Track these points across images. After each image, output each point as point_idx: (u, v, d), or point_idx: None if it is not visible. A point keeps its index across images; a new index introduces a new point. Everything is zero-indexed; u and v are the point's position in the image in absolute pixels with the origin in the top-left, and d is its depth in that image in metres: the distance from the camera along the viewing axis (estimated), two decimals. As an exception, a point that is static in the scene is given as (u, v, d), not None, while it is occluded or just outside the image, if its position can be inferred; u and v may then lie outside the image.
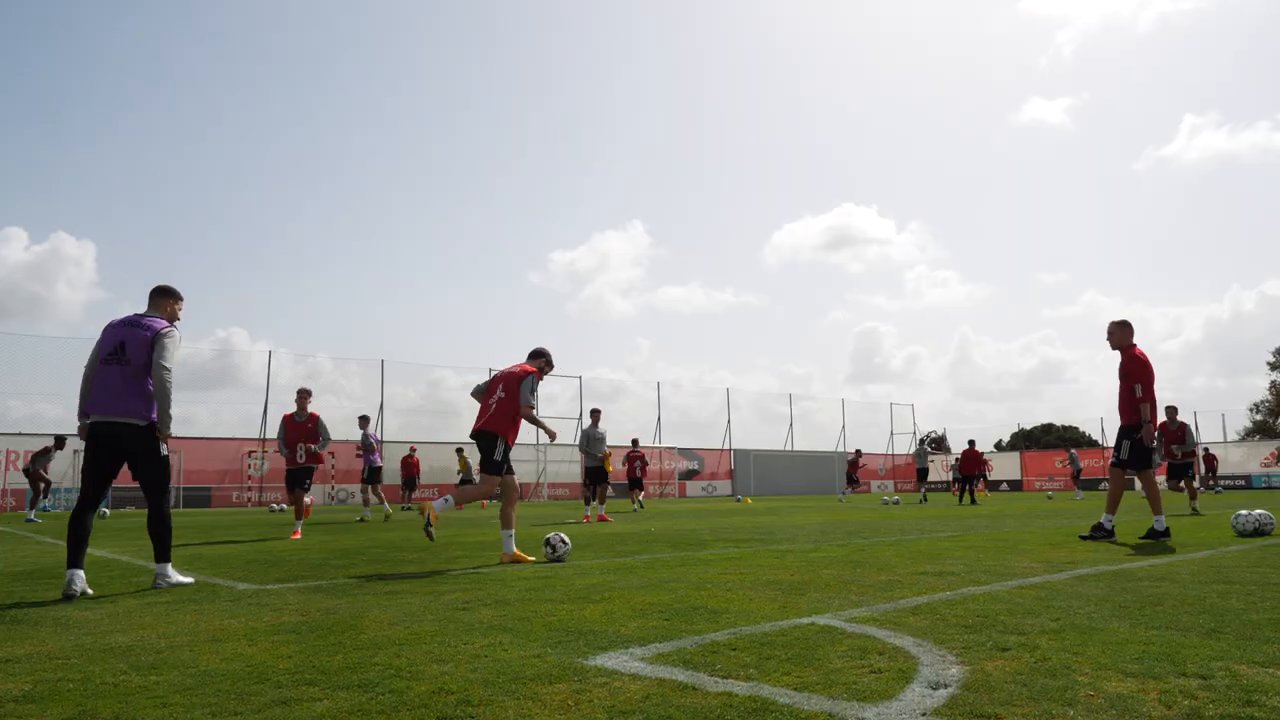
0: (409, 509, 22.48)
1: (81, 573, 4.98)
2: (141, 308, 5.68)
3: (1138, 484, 9.90)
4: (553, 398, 44.93)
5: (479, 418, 7.03)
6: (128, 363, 5.28)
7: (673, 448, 42.03)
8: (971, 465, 23.36)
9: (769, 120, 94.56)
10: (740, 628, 3.53)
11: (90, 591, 5.00)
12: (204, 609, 4.31)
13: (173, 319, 5.65)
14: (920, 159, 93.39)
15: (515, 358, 7.72)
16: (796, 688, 2.52)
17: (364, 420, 16.91)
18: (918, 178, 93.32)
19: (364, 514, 16.53)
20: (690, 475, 42.43)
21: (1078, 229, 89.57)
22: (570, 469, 36.02)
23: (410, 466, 23.77)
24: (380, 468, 17.00)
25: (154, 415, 5.33)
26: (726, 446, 44.20)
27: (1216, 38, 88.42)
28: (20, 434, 26.19)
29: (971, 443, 24.01)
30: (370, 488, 16.99)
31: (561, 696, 2.47)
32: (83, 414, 5.32)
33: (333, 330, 65.57)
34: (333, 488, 32.29)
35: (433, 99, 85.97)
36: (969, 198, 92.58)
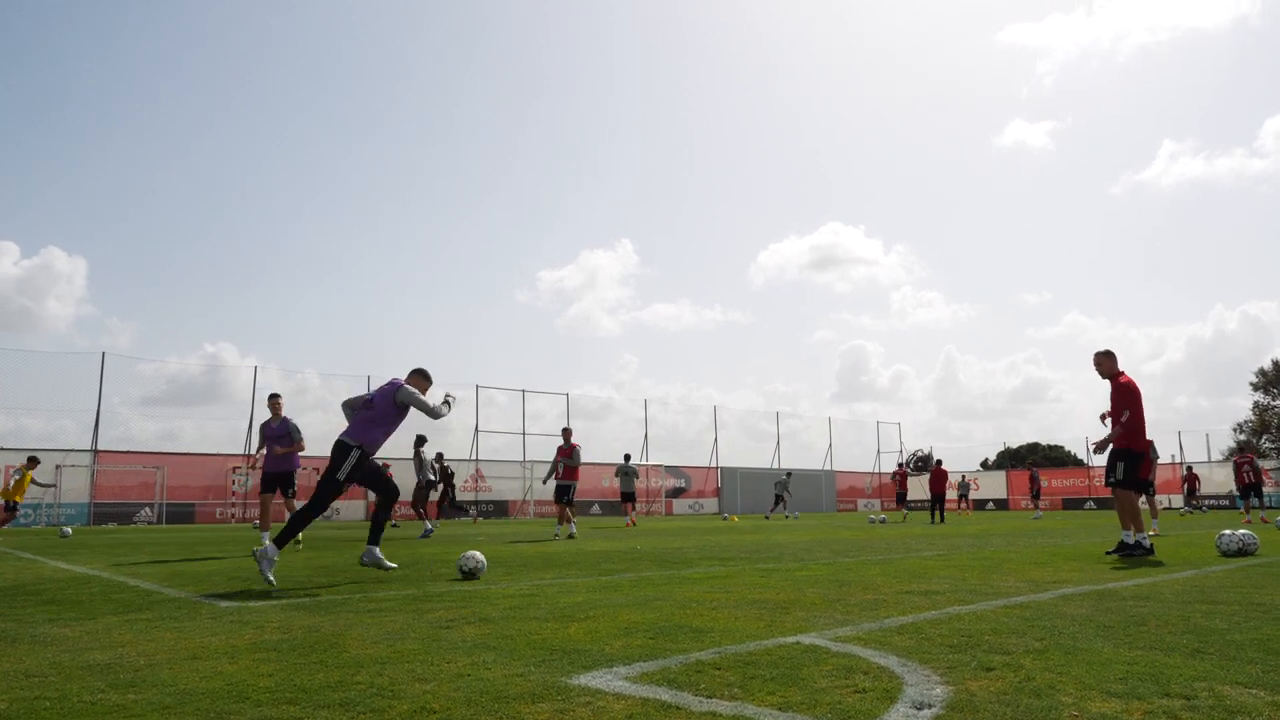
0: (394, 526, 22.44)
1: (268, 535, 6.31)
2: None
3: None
4: (539, 414, 44.84)
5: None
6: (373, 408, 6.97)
7: (660, 465, 41.98)
8: (938, 484, 23.64)
9: (757, 141, 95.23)
10: (725, 647, 3.52)
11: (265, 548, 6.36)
12: (184, 626, 4.27)
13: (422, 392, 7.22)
14: (907, 180, 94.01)
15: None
16: (781, 707, 2.52)
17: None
18: (905, 199, 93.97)
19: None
20: (677, 493, 42.36)
21: (1060, 250, 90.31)
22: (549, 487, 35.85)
23: None
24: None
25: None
26: (713, 464, 44.18)
27: (1195, 68, 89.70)
28: (3, 449, 25.96)
29: (938, 462, 24.48)
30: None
31: (545, 716, 2.45)
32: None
33: (320, 346, 65.42)
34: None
35: (421, 117, 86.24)
36: (954, 219, 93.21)
